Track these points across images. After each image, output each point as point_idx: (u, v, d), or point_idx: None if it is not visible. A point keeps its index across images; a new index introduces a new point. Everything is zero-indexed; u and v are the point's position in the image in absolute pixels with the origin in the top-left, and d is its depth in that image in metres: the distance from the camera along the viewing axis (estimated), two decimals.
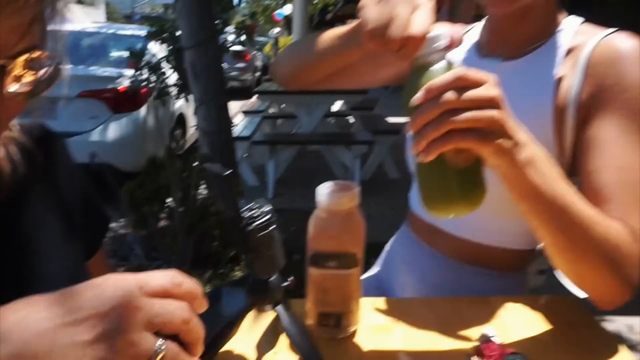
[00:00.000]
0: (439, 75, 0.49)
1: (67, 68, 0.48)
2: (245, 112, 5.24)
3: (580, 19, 0.77)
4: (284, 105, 5.40)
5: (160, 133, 4.13)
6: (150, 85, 2.87)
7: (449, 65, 0.51)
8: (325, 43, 0.72)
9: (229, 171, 0.52)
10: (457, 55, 0.87)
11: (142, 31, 4.67)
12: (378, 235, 1.09)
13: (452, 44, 0.52)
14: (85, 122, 3.71)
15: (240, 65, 10.72)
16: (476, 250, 0.84)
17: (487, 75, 0.49)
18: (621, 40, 0.68)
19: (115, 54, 4.64)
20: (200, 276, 1.97)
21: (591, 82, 0.69)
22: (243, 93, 10.07)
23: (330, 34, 0.72)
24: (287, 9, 14.58)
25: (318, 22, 26.84)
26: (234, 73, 10.44)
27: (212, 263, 2.06)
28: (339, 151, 4.21)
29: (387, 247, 1.05)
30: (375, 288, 0.99)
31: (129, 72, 3.31)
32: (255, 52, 12.59)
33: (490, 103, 0.48)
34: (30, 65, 0.44)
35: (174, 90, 2.90)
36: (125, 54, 3.33)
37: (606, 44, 0.69)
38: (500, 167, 0.53)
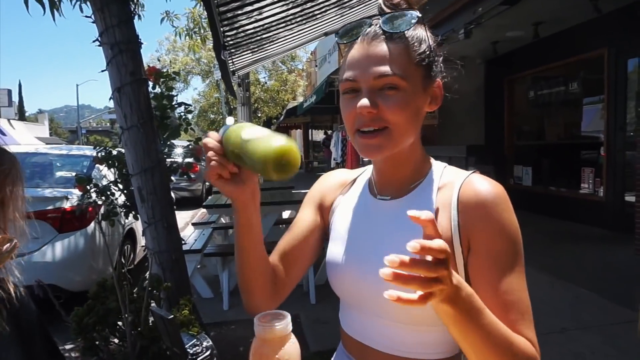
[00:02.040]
0: None
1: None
2: (195, 224, 5.27)
3: (444, 164, 0.97)
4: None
5: (108, 250, 4.05)
6: (98, 205, 2.91)
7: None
8: (238, 248, 0.91)
9: (172, 316, 0.60)
10: (355, 194, 1.04)
11: (90, 151, 4.77)
12: (334, 341, 1.13)
13: None
14: (27, 243, 3.60)
15: (190, 175, 10.86)
16: None
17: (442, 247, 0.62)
18: (479, 184, 0.86)
19: (62, 173, 4.68)
20: None
21: (464, 218, 0.85)
22: (193, 202, 10.13)
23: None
24: (229, 120, 15.47)
25: None
26: (183, 184, 10.54)
27: None
28: None
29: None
30: None
31: (76, 191, 3.35)
32: (203, 163, 12.90)
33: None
34: None
35: (122, 211, 2.94)
36: (72, 173, 3.38)
37: (468, 185, 0.87)
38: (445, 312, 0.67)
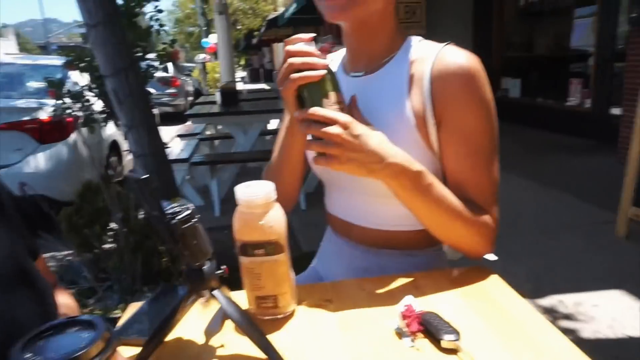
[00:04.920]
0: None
1: None
2: (181, 136, 5.16)
3: (420, 37, 0.91)
4: (220, 126, 5.37)
5: (94, 160, 3.98)
6: (75, 113, 2.78)
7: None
8: (280, 153, 0.95)
9: (147, 175, 0.56)
10: None
11: (60, 60, 4.52)
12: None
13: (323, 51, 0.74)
14: (11, 154, 3.53)
15: (171, 90, 10.57)
16: (387, 236, 0.93)
17: (338, 115, 0.70)
18: (453, 56, 0.82)
19: (33, 84, 4.46)
20: (153, 292, 1.94)
21: (436, 90, 0.82)
22: (177, 117, 9.91)
23: (277, 144, 0.96)
24: (212, 38, 14.58)
25: (245, 46, 26.79)
26: (165, 99, 10.25)
27: (163, 279, 2.03)
28: None
29: (322, 243, 1.12)
30: (314, 279, 1.07)
31: (51, 101, 3.20)
32: (184, 77, 12.45)
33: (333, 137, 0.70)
34: None
35: (100, 118, 2.82)
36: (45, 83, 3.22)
37: (442, 57, 0.82)
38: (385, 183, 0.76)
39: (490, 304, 0.77)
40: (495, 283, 0.83)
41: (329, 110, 0.71)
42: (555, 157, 5.40)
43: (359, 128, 0.71)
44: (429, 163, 0.84)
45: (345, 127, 0.70)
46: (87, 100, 2.76)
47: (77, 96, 2.69)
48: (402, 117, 0.83)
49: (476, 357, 0.61)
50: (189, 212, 0.59)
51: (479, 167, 0.81)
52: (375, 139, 0.72)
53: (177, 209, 0.60)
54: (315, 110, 0.70)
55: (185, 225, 0.59)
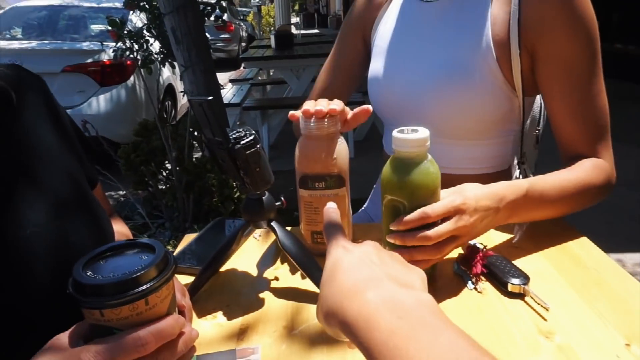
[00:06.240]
0: (419, 172, 0.57)
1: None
2: (233, 81, 5.18)
3: None
4: (272, 72, 5.32)
5: (150, 104, 4.09)
6: (135, 54, 2.82)
7: (428, 165, 0.58)
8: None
9: (211, 97, 0.54)
10: (398, 4, 0.90)
11: (120, 3, 4.56)
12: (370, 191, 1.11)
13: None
14: (73, 96, 3.68)
15: (225, 36, 10.53)
16: (447, 180, 0.87)
17: (449, 207, 0.58)
18: None
19: (95, 27, 4.56)
20: (206, 225, 2.02)
21: (528, 14, 0.72)
22: (230, 64, 9.93)
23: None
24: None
25: None
26: (219, 44, 10.24)
27: (213, 218, 2.09)
28: None
29: (375, 185, 1.09)
30: (364, 221, 1.05)
31: (112, 44, 3.27)
32: (238, 22, 12.33)
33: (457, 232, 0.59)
34: None
35: (158, 58, 2.86)
36: (106, 26, 3.26)
37: None
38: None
39: (562, 251, 0.72)
40: (567, 230, 0.78)
41: (439, 204, 0.57)
42: (634, 111, 4.96)
43: (469, 197, 0.59)
44: (506, 100, 0.77)
45: (462, 211, 0.58)
46: (147, 41, 2.79)
47: (137, 36, 2.71)
48: (481, 48, 0.75)
49: (545, 302, 0.58)
50: (252, 137, 0.58)
51: (587, 101, 0.73)
52: (480, 192, 0.62)
53: (240, 134, 0.58)
54: (430, 210, 0.56)
55: (249, 151, 0.57)
